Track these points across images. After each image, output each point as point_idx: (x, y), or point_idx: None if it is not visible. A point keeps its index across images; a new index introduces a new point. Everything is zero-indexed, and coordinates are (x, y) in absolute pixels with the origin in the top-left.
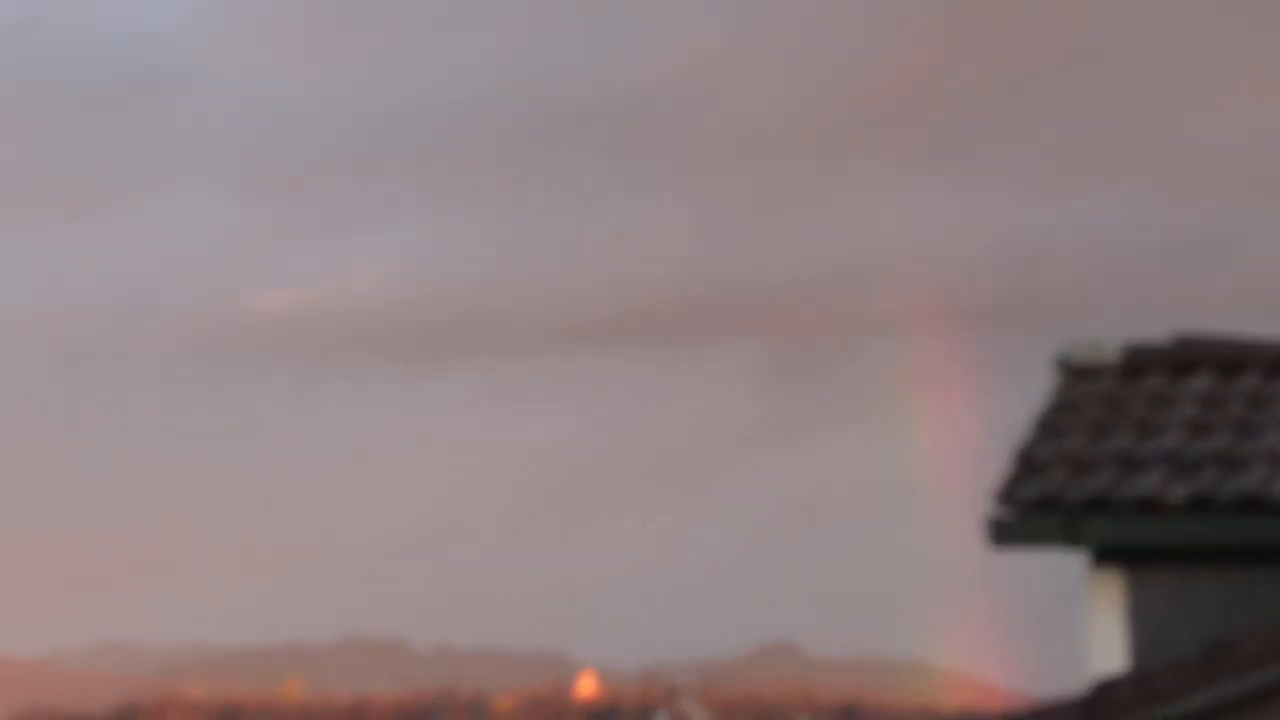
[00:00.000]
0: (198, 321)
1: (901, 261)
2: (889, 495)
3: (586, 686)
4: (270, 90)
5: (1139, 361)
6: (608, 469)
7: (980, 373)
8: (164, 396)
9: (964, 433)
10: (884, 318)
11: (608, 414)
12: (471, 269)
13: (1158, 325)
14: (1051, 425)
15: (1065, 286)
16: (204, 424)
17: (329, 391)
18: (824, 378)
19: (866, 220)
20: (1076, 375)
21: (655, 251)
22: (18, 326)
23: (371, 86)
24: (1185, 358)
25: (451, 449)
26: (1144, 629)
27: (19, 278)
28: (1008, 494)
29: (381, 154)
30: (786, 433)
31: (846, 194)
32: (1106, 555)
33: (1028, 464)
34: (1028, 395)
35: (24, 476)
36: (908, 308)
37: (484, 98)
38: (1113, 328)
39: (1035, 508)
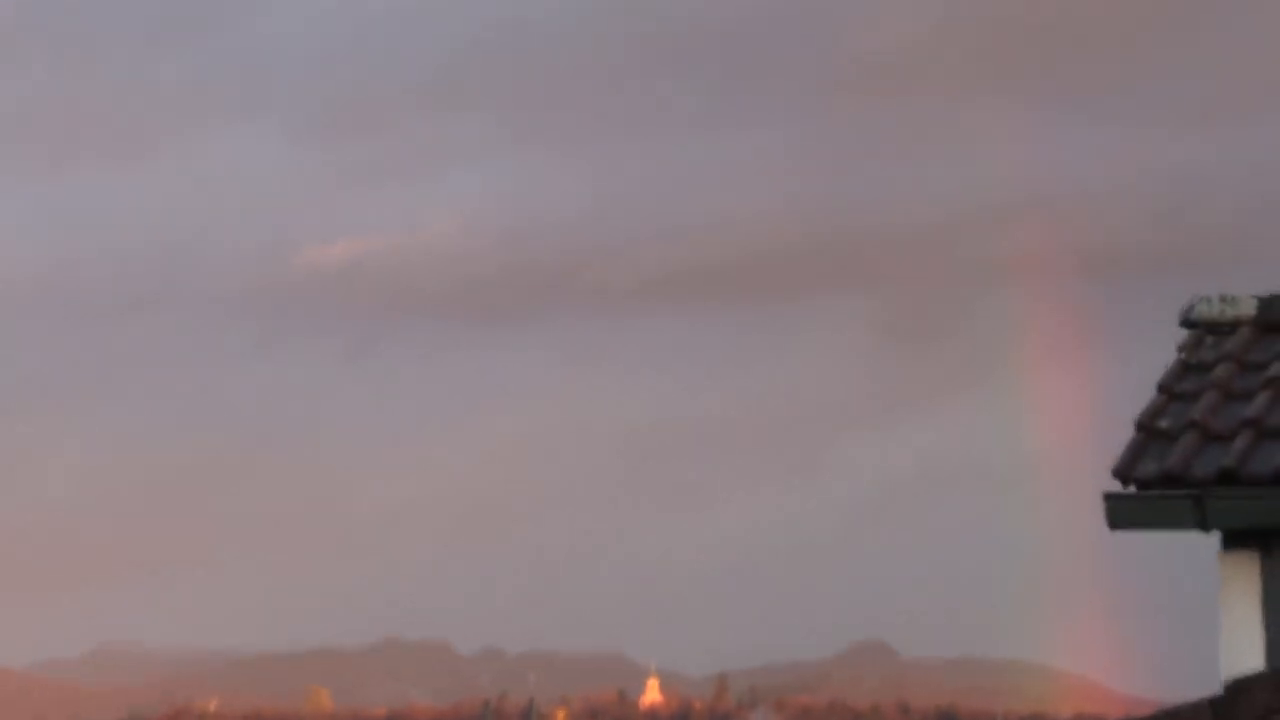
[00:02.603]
0: (243, 276)
1: (1034, 205)
2: (1000, 473)
3: (651, 694)
4: (339, 12)
5: (1277, 316)
6: (693, 444)
7: (1116, 329)
8: (196, 362)
9: (1093, 399)
10: (1011, 267)
11: (700, 380)
12: (556, 215)
13: None
14: (1176, 390)
15: (1219, 230)
16: (241, 394)
17: (387, 355)
18: (942, 337)
19: (997, 161)
20: (1206, 333)
21: (761, 196)
22: (33, 282)
23: (453, 7)
24: None
25: (521, 421)
26: None
27: (46, 231)
28: (1127, 470)
29: (460, 87)
30: (896, 402)
31: (975, 132)
32: (1240, 537)
33: (1149, 435)
34: (1167, 355)
35: (22, 451)
36: (1038, 256)
37: (578, 23)
38: (1272, 278)
39: (1158, 485)
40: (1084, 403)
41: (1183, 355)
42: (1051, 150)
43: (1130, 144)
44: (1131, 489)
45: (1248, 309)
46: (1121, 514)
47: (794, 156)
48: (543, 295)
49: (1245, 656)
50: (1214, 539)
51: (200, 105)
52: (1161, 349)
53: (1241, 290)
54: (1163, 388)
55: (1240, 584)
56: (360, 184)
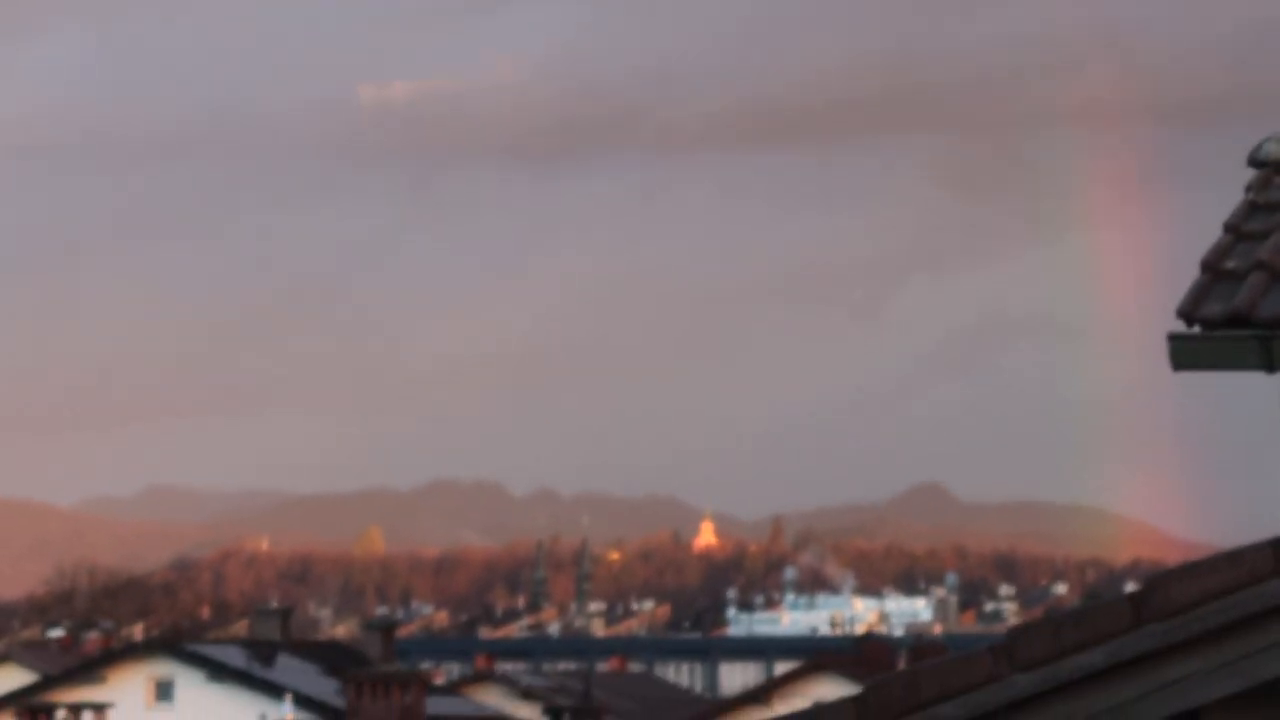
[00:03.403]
0: (303, 119)
1: (1105, 51)
2: (1065, 320)
3: (705, 536)
4: None
5: None
6: (760, 287)
7: (1187, 175)
8: (253, 206)
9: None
10: (1079, 113)
11: (762, 224)
12: (620, 58)
13: None
14: (1243, 230)
15: None
16: (294, 235)
17: (448, 198)
18: (1008, 184)
19: (1068, 4)
20: (1274, 172)
21: (827, 42)
22: (90, 125)
23: None
24: None
25: (582, 264)
26: None
27: (106, 75)
28: (1192, 309)
29: None
30: (961, 249)
31: None
32: None
33: (1215, 275)
34: (1238, 201)
35: (77, 294)
36: (1108, 102)
37: None
38: None
39: (1223, 325)
40: (1152, 249)
41: (1250, 194)
42: None
43: None
44: (1196, 329)
45: None
46: (1185, 354)
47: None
48: (606, 136)
49: None
50: (1277, 384)
51: None
52: (1233, 196)
53: None
54: (1229, 227)
55: None
56: (422, 24)
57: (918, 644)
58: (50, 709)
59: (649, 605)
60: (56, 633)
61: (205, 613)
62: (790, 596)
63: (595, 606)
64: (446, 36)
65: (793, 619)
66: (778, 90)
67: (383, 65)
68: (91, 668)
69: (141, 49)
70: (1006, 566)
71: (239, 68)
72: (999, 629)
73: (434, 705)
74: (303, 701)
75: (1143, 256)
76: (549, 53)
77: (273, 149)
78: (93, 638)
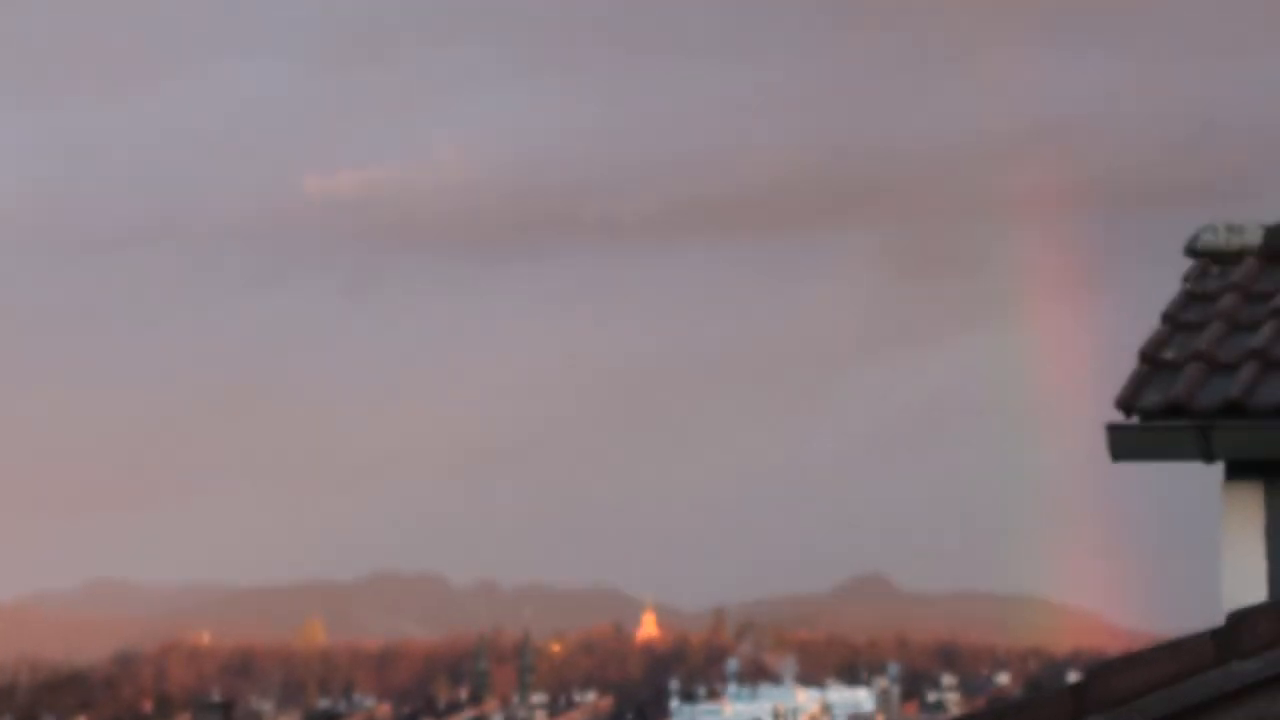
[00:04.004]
0: (243, 208)
1: (1048, 138)
2: (1005, 408)
3: (647, 628)
4: None
5: None
6: (696, 379)
7: (1128, 263)
8: (193, 295)
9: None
10: (1023, 201)
11: (705, 314)
12: (563, 147)
13: None
14: (1181, 320)
15: (1235, 165)
16: (237, 326)
17: (389, 290)
18: (950, 271)
19: (1011, 93)
20: (1211, 262)
21: (769, 129)
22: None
23: None
24: None
25: (522, 356)
26: None
27: (46, 156)
28: (1131, 400)
29: (467, 14)
30: (901, 336)
31: (989, 64)
32: (1244, 469)
33: (1154, 366)
34: (1173, 289)
35: (13, 383)
36: (1051, 189)
37: None
38: None
39: (1162, 415)
40: (1093, 337)
41: (1188, 285)
42: (1066, 82)
43: (1147, 76)
44: (1135, 420)
45: (1254, 238)
46: (1124, 445)
47: (804, 88)
48: (548, 228)
49: (1248, 588)
50: (1216, 472)
51: (202, 35)
52: (1174, 284)
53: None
54: (1167, 317)
55: (1243, 515)
56: (363, 114)
57: None
58: None
59: (591, 697)
60: None
61: (148, 707)
62: (733, 687)
63: (538, 698)
64: (388, 128)
65: (736, 710)
66: (718, 180)
67: (325, 156)
68: None
69: (79, 138)
70: (949, 656)
71: (181, 157)
72: None
73: None
74: None
75: (1084, 345)
76: (488, 145)
77: (212, 238)
78: None
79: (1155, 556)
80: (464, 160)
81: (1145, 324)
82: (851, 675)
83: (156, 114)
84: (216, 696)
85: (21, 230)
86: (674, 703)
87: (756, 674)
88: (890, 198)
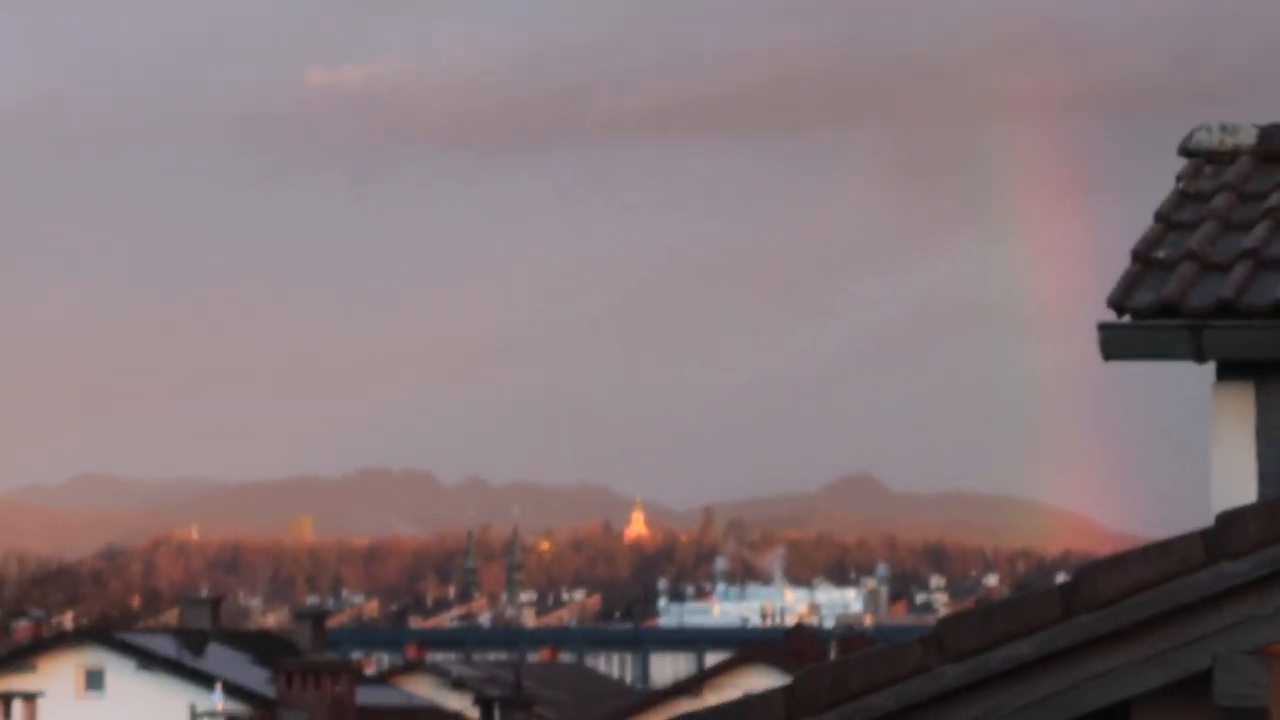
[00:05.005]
0: (247, 104)
1: (1052, 40)
2: (1001, 310)
3: (636, 526)
4: None
5: (1278, 146)
6: (695, 280)
7: (1127, 167)
8: (194, 192)
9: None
10: (1025, 102)
11: (705, 214)
12: (568, 43)
13: None
14: (1174, 219)
15: (1239, 69)
16: (235, 223)
17: (389, 185)
18: (951, 172)
19: None
20: (1205, 162)
21: (773, 28)
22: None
23: None
24: None
25: (520, 254)
26: (1276, 453)
27: (48, 55)
28: (1122, 299)
29: None
30: (901, 238)
31: None
32: (1235, 369)
33: (1146, 265)
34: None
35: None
36: (1053, 91)
37: None
38: None
39: (1154, 315)
40: (1090, 240)
41: (1181, 184)
42: None
43: None
44: (1127, 319)
45: (1248, 138)
46: (1115, 344)
47: None
48: (551, 124)
49: (1238, 489)
50: (1207, 373)
51: None
52: (1170, 187)
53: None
54: (1160, 217)
55: (1234, 416)
56: (366, 10)
57: (847, 635)
58: None
59: (580, 595)
60: None
61: (135, 602)
62: (721, 587)
63: (526, 597)
64: (394, 22)
65: (723, 610)
66: (719, 80)
67: (330, 51)
68: (21, 656)
69: (80, 37)
70: (937, 557)
71: (184, 52)
72: (930, 620)
73: (364, 695)
74: (233, 691)
75: (1078, 246)
76: (493, 41)
77: (215, 134)
78: (23, 626)
79: (1146, 458)
80: (467, 56)
81: (1142, 225)
82: (840, 575)
83: (158, 12)
84: (204, 592)
85: (18, 128)
86: (662, 602)
87: (745, 574)
88: (893, 99)
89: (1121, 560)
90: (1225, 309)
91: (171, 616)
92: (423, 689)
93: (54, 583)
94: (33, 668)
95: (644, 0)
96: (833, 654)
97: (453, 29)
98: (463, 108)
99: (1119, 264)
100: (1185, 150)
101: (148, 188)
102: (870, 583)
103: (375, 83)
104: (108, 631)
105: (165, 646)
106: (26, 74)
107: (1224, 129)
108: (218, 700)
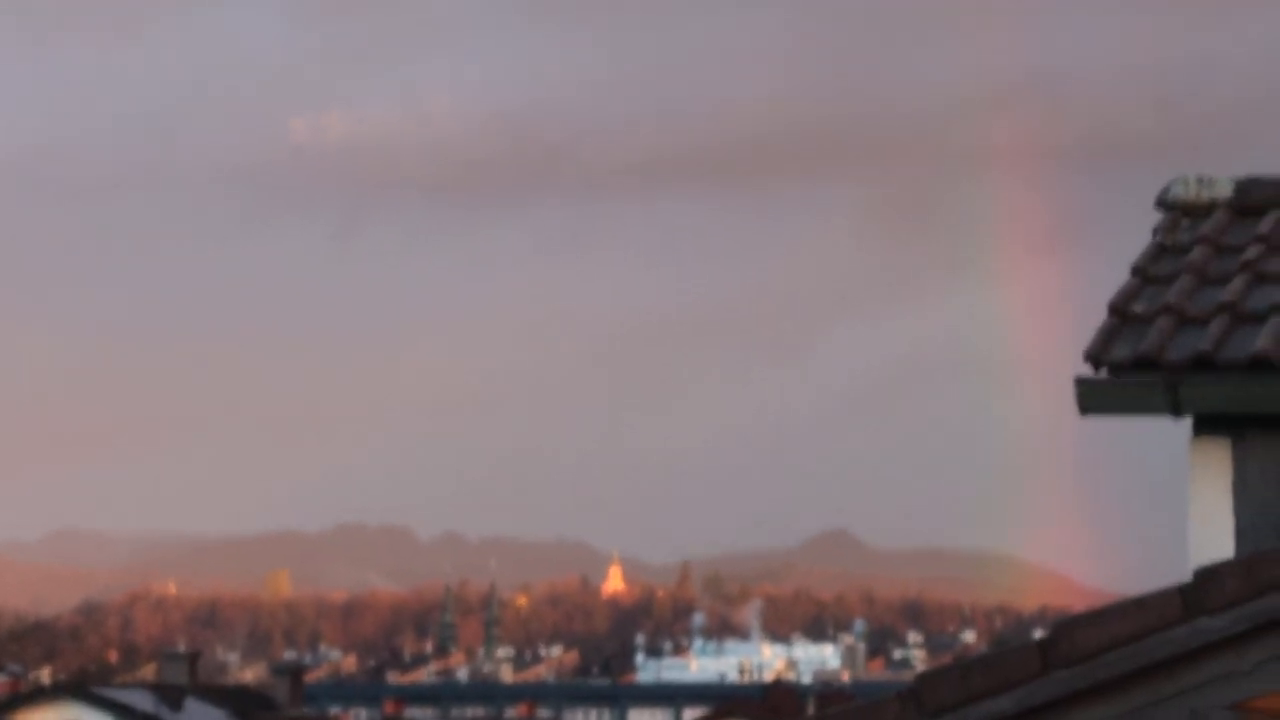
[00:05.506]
0: (233, 153)
1: (1033, 91)
2: (978, 363)
3: (614, 581)
4: None
5: (1256, 199)
6: (674, 332)
7: (1108, 217)
8: (177, 240)
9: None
10: (1006, 154)
11: (685, 267)
12: (550, 97)
13: None
14: (1151, 273)
15: (1220, 118)
16: (214, 274)
17: (372, 237)
18: (931, 225)
19: (997, 45)
20: (1182, 215)
21: (756, 81)
22: (14, 156)
23: None
24: None
25: (501, 307)
26: (1252, 508)
27: (33, 103)
28: (1100, 353)
29: None
30: (880, 292)
31: (977, 15)
32: (1212, 423)
33: (1123, 319)
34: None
35: None
36: (1034, 142)
37: None
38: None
39: (1131, 369)
40: (1069, 292)
41: (1158, 237)
42: (1052, 35)
43: (1134, 30)
44: (1104, 373)
45: (1224, 191)
46: (1092, 398)
47: (792, 41)
48: (532, 178)
49: (1215, 545)
50: (1185, 428)
51: None
52: (1149, 237)
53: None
54: (1137, 270)
55: (1211, 471)
56: (350, 61)
57: (825, 691)
58: None
59: (557, 651)
60: None
61: (113, 656)
62: (699, 642)
63: (503, 652)
64: (380, 75)
65: (701, 665)
66: (701, 133)
67: (316, 103)
68: None
69: (66, 85)
70: (914, 613)
71: (172, 102)
72: (907, 676)
73: None
74: None
75: (1057, 299)
76: (476, 93)
77: (200, 183)
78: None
79: (1123, 513)
80: (451, 107)
81: (1121, 278)
82: (818, 631)
83: (143, 59)
84: (182, 647)
85: (6, 179)
86: (639, 658)
87: (722, 629)
88: (874, 152)
89: (1099, 616)
90: (1202, 363)
91: (149, 671)
92: None
93: (31, 637)
94: None
95: (627, 54)
96: (810, 710)
97: (437, 80)
98: (446, 159)
99: (1097, 317)
100: (1162, 203)
101: (131, 237)
102: (848, 638)
103: (359, 134)
104: (85, 686)
105: (143, 702)
106: (12, 124)
107: (1200, 182)
108: None
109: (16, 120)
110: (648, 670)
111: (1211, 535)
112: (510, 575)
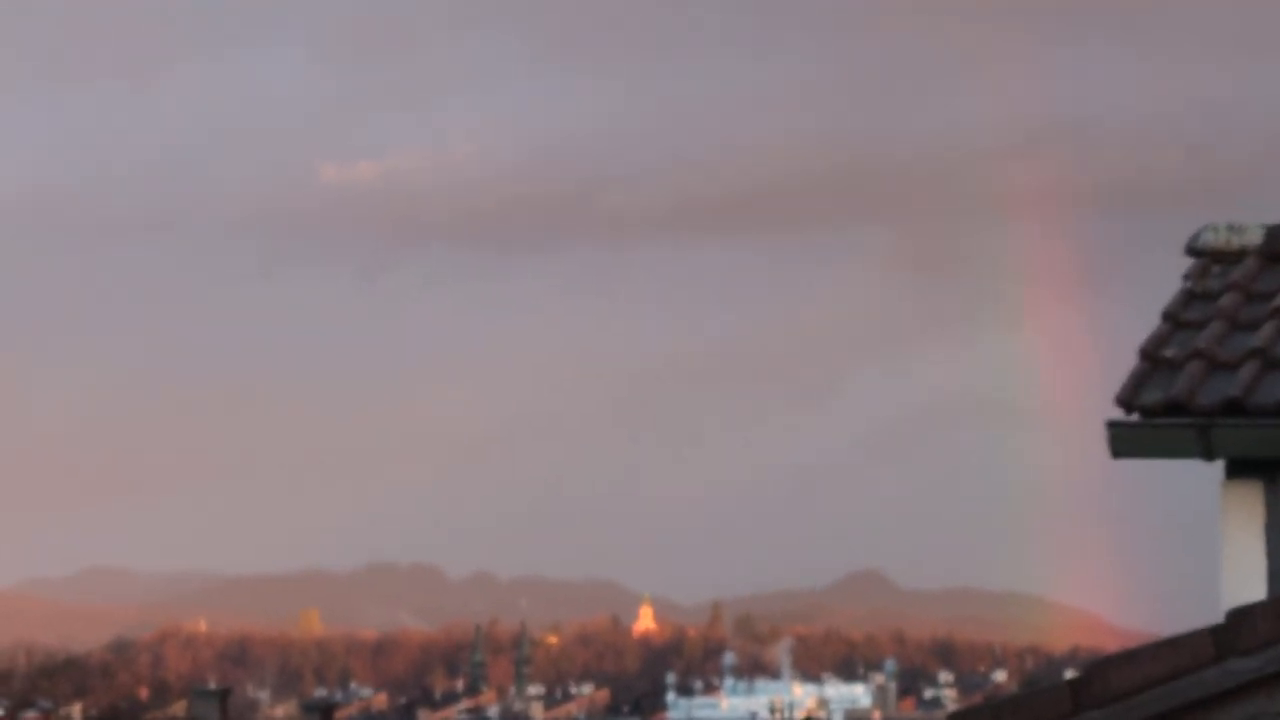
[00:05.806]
0: (255, 199)
1: (1060, 137)
2: (1008, 406)
3: (644, 621)
4: None
5: None
6: (700, 376)
7: (1135, 263)
8: (201, 284)
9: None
10: (1033, 199)
11: (710, 311)
12: (575, 141)
13: None
14: (1182, 318)
15: (1248, 165)
16: (243, 315)
17: (396, 281)
18: (958, 269)
19: (1025, 91)
20: (1212, 261)
21: (781, 125)
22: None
23: None
24: None
25: (527, 350)
26: None
27: (60, 144)
28: (1131, 398)
29: (483, 5)
30: (907, 335)
31: (1004, 62)
32: (1243, 467)
33: (1154, 363)
34: (1177, 288)
35: (19, 372)
36: (1061, 188)
37: None
38: None
39: (1162, 413)
40: (1098, 336)
41: (1188, 284)
42: (1080, 81)
43: (1160, 77)
44: (1136, 417)
45: (1255, 238)
46: (1125, 442)
47: (816, 87)
48: (556, 222)
49: (1247, 587)
50: (1216, 470)
51: (219, 24)
52: (1178, 283)
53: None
54: (1168, 316)
55: (1243, 514)
56: (378, 105)
57: None
58: None
59: (588, 689)
60: None
61: (144, 694)
62: (729, 681)
63: (534, 690)
64: (403, 120)
65: (732, 704)
66: (725, 177)
67: (339, 148)
68: None
69: (93, 127)
70: (945, 653)
71: (195, 146)
72: (938, 716)
73: None
74: None
75: (1086, 344)
76: (500, 138)
77: (223, 228)
78: (31, 717)
79: (1155, 555)
80: (478, 153)
81: (1149, 323)
82: (848, 671)
83: (172, 102)
84: (213, 684)
85: (33, 217)
86: (670, 696)
87: (753, 669)
88: (899, 197)
89: (1131, 656)
90: (1233, 408)
91: (179, 708)
92: None
93: (62, 674)
94: None
95: (651, 99)
96: None
97: (464, 125)
98: (472, 203)
99: (1127, 362)
100: (1192, 250)
101: (159, 279)
102: (879, 678)
103: (385, 178)
104: None
105: None
106: (40, 167)
107: (1231, 229)
108: None
109: (45, 163)
110: (679, 709)
111: (1243, 577)
112: (541, 615)
